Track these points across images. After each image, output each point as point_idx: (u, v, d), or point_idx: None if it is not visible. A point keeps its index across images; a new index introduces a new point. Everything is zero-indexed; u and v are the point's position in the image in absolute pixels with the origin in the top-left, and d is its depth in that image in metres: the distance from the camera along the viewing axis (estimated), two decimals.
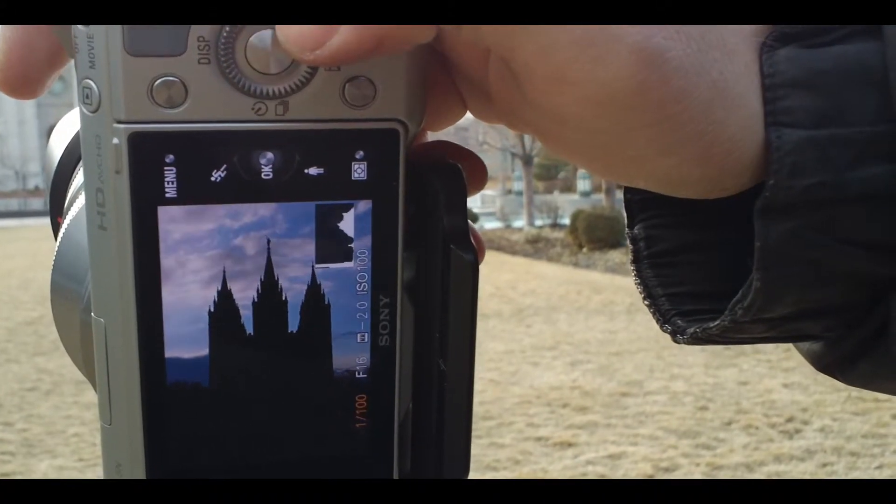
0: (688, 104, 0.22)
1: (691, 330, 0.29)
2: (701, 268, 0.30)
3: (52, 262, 0.31)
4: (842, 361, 0.28)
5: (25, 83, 0.25)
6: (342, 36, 0.21)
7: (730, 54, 0.23)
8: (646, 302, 0.31)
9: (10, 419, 4.70)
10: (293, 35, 0.22)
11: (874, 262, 0.24)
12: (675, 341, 0.30)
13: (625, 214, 0.32)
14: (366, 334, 0.26)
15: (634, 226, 0.32)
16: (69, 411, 4.81)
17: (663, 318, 0.30)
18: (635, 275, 0.31)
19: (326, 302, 0.25)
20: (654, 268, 0.31)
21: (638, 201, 0.31)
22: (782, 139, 0.23)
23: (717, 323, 0.27)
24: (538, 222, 16.00)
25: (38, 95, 0.26)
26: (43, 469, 3.90)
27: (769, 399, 4.60)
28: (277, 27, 0.22)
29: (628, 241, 0.32)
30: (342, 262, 0.25)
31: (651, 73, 0.22)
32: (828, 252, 0.24)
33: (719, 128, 0.23)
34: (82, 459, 4.03)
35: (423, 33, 0.22)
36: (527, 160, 17.15)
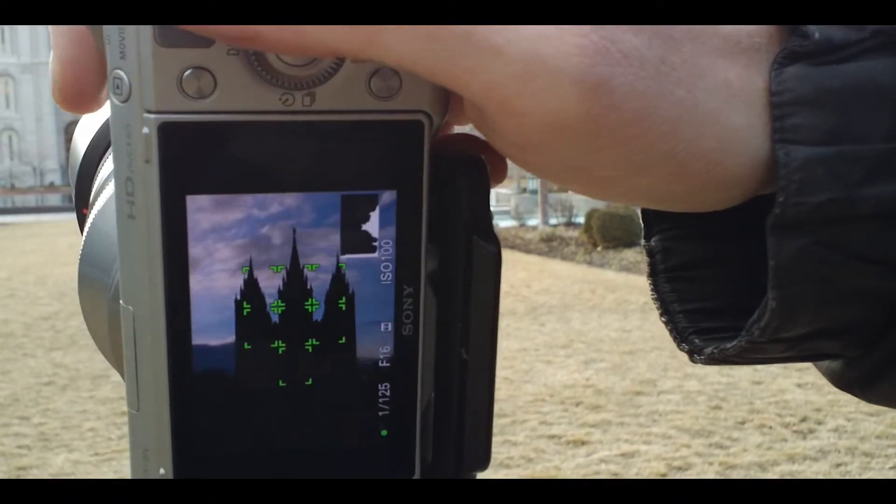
0: (649, 125, 0.23)
1: (709, 350, 0.28)
2: (718, 282, 0.30)
3: (80, 253, 0.31)
4: (861, 380, 0.28)
5: (82, 99, 0.26)
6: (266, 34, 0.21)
7: (701, 72, 0.23)
8: (663, 318, 0.31)
9: (26, 413, 4.74)
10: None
11: (889, 280, 0.24)
12: (693, 361, 0.30)
13: (642, 225, 0.32)
14: (389, 323, 0.26)
15: (651, 238, 0.32)
16: (85, 406, 4.84)
17: (680, 337, 0.30)
18: (652, 289, 0.31)
19: (351, 291, 0.25)
20: (671, 282, 0.31)
21: (654, 214, 0.31)
22: (789, 156, 0.23)
23: (734, 343, 0.27)
24: (552, 221, 15.95)
25: (95, 109, 0.26)
26: (59, 463, 3.93)
27: (783, 399, 4.58)
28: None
29: (645, 254, 0.32)
30: (367, 252, 0.25)
31: (598, 100, 0.22)
32: (841, 269, 0.24)
33: (692, 145, 0.23)
34: (98, 454, 4.05)
35: (334, 54, 0.23)
36: None
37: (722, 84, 0.23)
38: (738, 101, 0.24)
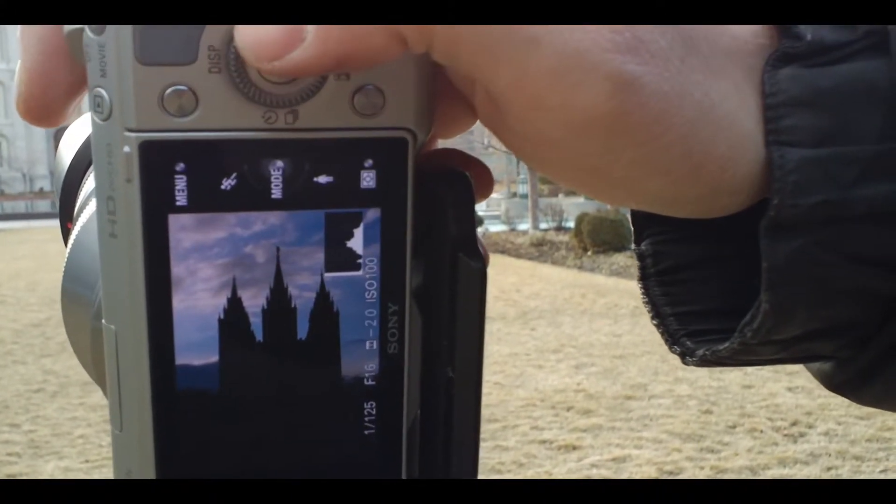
0: (670, 126, 0.23)
1: (700, 352, 0.28)
2: (709, 284, 0.30)
3: (63, 268, 0.31)
4: (853, 381, 0.28)
5: (46, 113, 0.25)
6: (304, 52, 0.21)
7: (715, 75, 0.23)
8: (654, 321, 0.31)
9: (16, 420, 4.71)
10: (253, 43, 0.22)
11: (882, 280, 0.24)
12: (685, 363, 0.30)
13: (632, 230, 0.32)
14: (374, 341, 0.26)
15: (642, 242, 0.31)
16: (75, 413, 4.81)
17: (672, 339, 0.30)
18: (643, 293, 0.31)
19: (335, 309, 0.25)
20: (662, 285, 0.31)
21: (644, 217, 0.31)
22: (784, 158, 0.23)
23: (726, 345, 0.27)
24: (543, 225, 15.95)
25: (58, 124, 0.26)
26: (49, 470, 3.91)
27: (773, 403, 4.59)
28: (236, 30, 0.22)
29: (636, 258, 0.32)
30: (351, 270, 0.25)
31: (627, 97, 0.22)
32: (835, 270, 0.24)
33: (707, 148, 0.23)
34: (88, 461, 4.03)
35: (387, 55, 0.22)
36: None
37: (733, 87, 0.23)
38: (747, 105, 0.24)
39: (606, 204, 0.27)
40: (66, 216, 0.38)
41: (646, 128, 0.23)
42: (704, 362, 0.28)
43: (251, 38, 0.22)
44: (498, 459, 3.88)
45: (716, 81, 0.23)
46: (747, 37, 0.24)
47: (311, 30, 0.21)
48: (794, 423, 4.27)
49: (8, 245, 16.81)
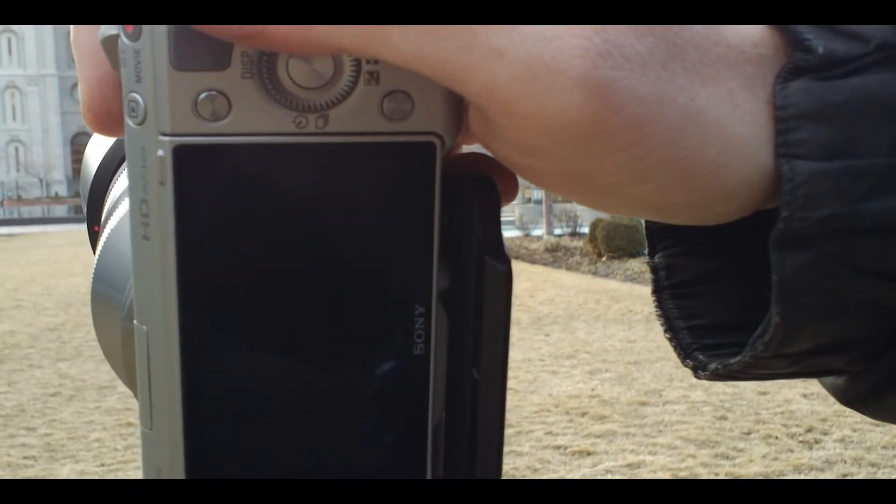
0: (650, 131, 0.23)
1: (712, 366, 0.28)
2: (722, 298, 0.30)
3: (93, 270, 0.31)
4: (866, 396, 0.28)
5: (113, 118, 0.25)
6: (265, 34, 0.22)
7: (703, 81, 0.23)
8: (667, 335, 0.31)
9: (32, 424, 4.74)
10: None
11: (892, 293, 0.24)
12: (697, 377, 0.30)
13: (646, 240, 0.32)
14: (401, 343, 0.26)
15: (655, 254, 0.31)
16: (91, 416, 4.84)
17: (684, 353, 0.30)
18: (657, 306, 0.31)
19: (363, 311, 0.25)
20: (675, 298, 0.31)
21: (658, 229, 0.31)
22: (794, 170, 0.23)
23: (737, 359, 0.27)
24: (557, 231, 15.92)
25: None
26: (65, 474, 3.94)
27: (788, 409, 4.57)
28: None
29: (650, 271, 0.32)
30: (379, 272, 0.25)
31: (600, 103, 0.22)
32: (845, 283, 0.24)
33: (694, 153, 0.23)
34: (104, 464, 4.06)
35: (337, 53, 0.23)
36: None
37: (725, 94, 0.23)
38: (742, 112, 0.24)
39: (598, 211, 0.27)
40: (94, 220, 0.38)
41: (623, 133, 0.22)
42: (716, 376, 0.28)
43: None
44: (512, 465, 3.88)
45: (703, 87, 0.23)
46: (746, 46, 0.24)
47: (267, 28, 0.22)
48: (810, 430, 4.26)
49: (24, 250, 16.92)
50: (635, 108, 0.22)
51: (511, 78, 0.22)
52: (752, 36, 0.24)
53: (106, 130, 0.26)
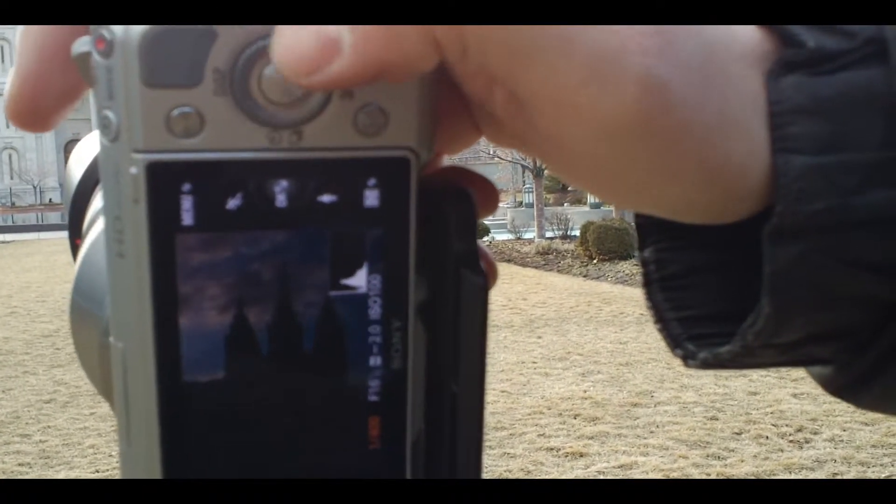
0: (691, 133, 0.23)
1: (702, 355, 0.28)
2: (711, 289, 0.30)
3: (73, 283, 0.31)
4: (852, 385, 0.28)
5: (36, 117, 0.25)
6: (341, 64, 0.22)
7: (733, 83, 0.23)
8: (657, 326, 0.31)
9: (27, 431, 4.74)
10: (289, 59, 0.22)
11: (882, 285, 0.25)
12: (687, 366, 0.30)
13: (636, 237, 0.33)
14: (378, 358, 0.26)
15: (645, 249, 0.32)
16: (86, 423, 4.84)
17: (674, 342, 0.30)
18: (647, 298, 0.31)
19: (339, 326, 0.25)
20: (665, 291, 0.31)
21: (648, 224, 0.31)
22: (789, 165, 0.23)
23: (727, 348, 0.27)
24: (549, 234, 15.87)
25: (47, 130, 0.26)
26: None
27: (779, 409, 4.60)
28: (273, 47, 0.22)
29: (640, 265, 0.32)
30: (355, 287, 0.25)
31: (654, 102, 0.22)
32: (836, 275, 0.24)
33: (724, 156, 0.23)
34: (98, 471, 4.06)
35: (425, 62, 0.23)
36: (537, 172, 17.02)
37: (748, 94, 0.24)
38: (759, 112, 0.24)
39: (619, 207, 0.29)
40: (75, 233, 0.38)
41: (667, 134, 0.23)
42: (706, 365, 0.29)
43: (286, 54, 0.22)
44: (505, 467, 3.90)
45: (731, 88, 0.23)
46: (754, 44, 0.24)
47: (346, 39, 0.22)
48: (800, 430, 4.29)
49: (19, 257, 16.86)
50: (681, 110, 0.22)
51: (574, 71, 0.22)
52: (756, 35, 0.24)
53: (25, 126, 0.26)
